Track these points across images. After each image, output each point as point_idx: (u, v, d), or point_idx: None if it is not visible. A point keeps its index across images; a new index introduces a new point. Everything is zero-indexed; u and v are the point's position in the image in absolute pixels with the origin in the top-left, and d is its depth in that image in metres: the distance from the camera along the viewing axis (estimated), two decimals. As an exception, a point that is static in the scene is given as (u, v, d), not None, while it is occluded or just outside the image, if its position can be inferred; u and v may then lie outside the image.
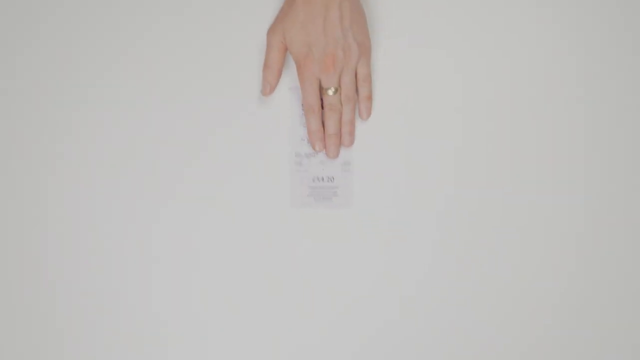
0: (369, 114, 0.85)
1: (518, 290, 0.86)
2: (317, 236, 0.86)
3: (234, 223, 0.86)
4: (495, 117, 0.87)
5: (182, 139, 0.87)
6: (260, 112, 0.87)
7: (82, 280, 0.87)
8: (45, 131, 0.87)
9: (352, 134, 0.85)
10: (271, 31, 0.81)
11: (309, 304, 0.86)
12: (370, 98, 0.84)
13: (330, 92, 0.82)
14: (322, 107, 0.84)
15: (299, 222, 0.86)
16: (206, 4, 0.88)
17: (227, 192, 0.87)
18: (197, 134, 0.87)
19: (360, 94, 0.84)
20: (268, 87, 0.83)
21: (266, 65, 0.82)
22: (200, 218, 0.87)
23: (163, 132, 0.87)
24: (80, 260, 0.87)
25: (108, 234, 0.87)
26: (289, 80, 0.86)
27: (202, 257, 0.87)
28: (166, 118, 0.87)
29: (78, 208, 0.87)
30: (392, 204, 0.86)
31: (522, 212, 0.86)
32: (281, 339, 0.86)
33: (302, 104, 0.84)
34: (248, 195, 0.86)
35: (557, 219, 0.86)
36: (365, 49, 0.82)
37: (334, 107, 0.83)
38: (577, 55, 0.88)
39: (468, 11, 0.88)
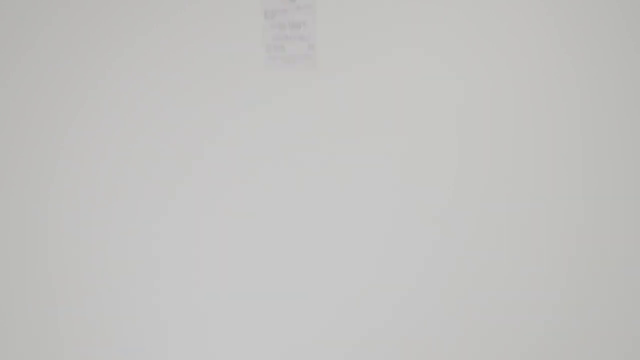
0: None
1: (518, 291, 0.86)
2: (315, 241, 0.86)
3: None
4: (495, 119, 0.87)
5: (169, 146, 0.87)
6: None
7: (81, 279, 0.87)
8: (45, 132, 0.88)
9: None
10: None
11: (302, 310, 0.86)
12: None
13: None
14: None
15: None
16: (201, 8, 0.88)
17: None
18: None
19: None
20: None
21: None
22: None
23: (157, 138, 0.87)
24: (80, 260, 0.87)
25: (107, 233, 0.87)
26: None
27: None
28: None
29: (78, 208, 0.87)
30: (392, 206, 0.87)
31: (522, 214, 0.86)
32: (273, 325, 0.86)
33: None
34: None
35: (557, 220, 0.86)
36: None
37: None
38: (576, 57, 0.88)
39: (468, 15, 0.88)
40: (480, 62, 0.88)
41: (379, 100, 0.87)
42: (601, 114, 0.87)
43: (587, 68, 0.88)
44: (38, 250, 0.87)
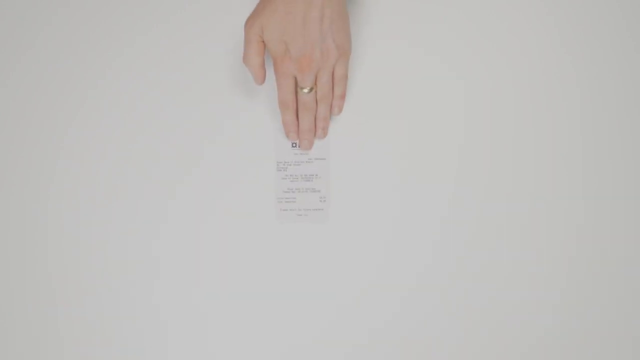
0: (340, 111, 0.84)
1: (518, 291, 0.86)
2: (310, 239, 0.86)
3: (222, 230, 0.87)
4: (494, 118, 0.87)
5: (169, 146, 0.87)
6: (246, 122, 0.87)
7: (81, 281, 0.87)
8: (46, 134, 0.88)
9: (325, 129, 0.85)
10: (248, 24, 0.76)
11: (302, 310, 0.86)
12: (343, 97, 0.83)
13: (305, 90, 0.80)
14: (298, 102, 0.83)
15: (289, 228, 0.87)
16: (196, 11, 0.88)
17: (215, 198, 0.87)
18: (184, 144, 0.87)
19: (334, 92, 0.82)
20: (258, 80, 0.79)
21: (246, 60, 0.78)
22: (189, 225, 0.87)
23: (157, 138, 0.87)
24: (80, 260, 0.87)
25: (107, 233, 0.87)
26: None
27: (191, 261, 0.87)
28: (159, 123, 0.87)
29: (77, 209, 0.87)
30: (390, 206, 0.87)
31: (522, 213, 0.87)
32: (273, 342, 0.86)
33: (278, 100, 0.83)
34: (235, 203, 0.87)
35: (557, 220, 0.87)
36: (344, 51, 0.78)
37: (308, 106, 0.82)
38: (576, 57, 0.88)
39: (466, 13, 0.88)
40: (480, 62, 0.88)
41: (378, 100, 0.87)
42: (601, 114, 0.87)
43: (587, 68, 0.88)
44: (38, 250, 0.87)
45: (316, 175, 0.86)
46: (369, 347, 0.86)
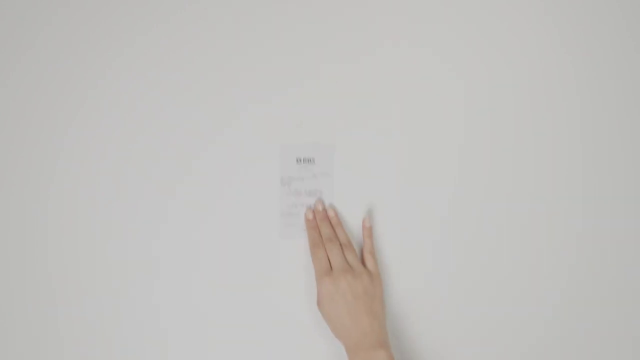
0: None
1: (518, 291, 0.86)
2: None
3: (226, 233, 0.87)
4: (494, 118, 0.87)
5: (169, 146, 0.87)
6: (253, 130, 0.87)
7: (81, 281, 0.87)
8: (46, 134, 0.88)
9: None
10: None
11: (302, 310, 0.86)
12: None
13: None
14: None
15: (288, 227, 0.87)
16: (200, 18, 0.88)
17: (220, 201, 0.87)
18: (191, 145, 0.87)
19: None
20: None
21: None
22: (195, 224, 0.87)
23: (157, 138, 0.87)
24: (80, 260, 0.87)
25: (107, 233, 0.87)
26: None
27: (197, 261, 0.87)
28: (165, 124, 0.87)
29: (77, 209, 0.87)
30: (392, 206, 0.87)
31: (522, 213, 0.87)
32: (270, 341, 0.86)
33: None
34: (240, 205, 0.87)
35: (558, 220, 0.86)
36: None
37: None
38: (576, 57, 0.88)
39: (466, 13, 0.88)
40: (480, 62, 0.88)
41: (379, 101, 0.87)
42: (601, 114, 0.87)
43: (587, 68, 0.88)
44: (38, 250, 0.87)
45: (320, 190, 0.86)
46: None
